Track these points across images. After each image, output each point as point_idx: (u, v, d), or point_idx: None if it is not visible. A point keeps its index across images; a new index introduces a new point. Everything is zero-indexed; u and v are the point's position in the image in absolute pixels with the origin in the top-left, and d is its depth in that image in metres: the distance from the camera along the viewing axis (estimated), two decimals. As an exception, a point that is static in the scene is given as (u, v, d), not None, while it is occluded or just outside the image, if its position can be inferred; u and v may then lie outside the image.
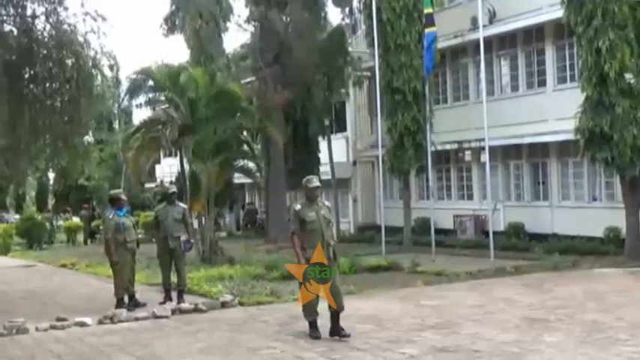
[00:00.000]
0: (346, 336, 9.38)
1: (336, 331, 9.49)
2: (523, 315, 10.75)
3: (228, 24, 31.58)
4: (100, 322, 11.33)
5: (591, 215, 21.03)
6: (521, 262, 17.80)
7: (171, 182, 31.96)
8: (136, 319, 11.56)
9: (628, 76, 17.41)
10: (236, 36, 77.02)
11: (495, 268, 16.77)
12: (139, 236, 13.36)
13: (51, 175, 56.64)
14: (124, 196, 13.31)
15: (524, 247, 20.85)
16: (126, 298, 12.81)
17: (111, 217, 12.80)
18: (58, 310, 12.19)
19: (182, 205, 13.93)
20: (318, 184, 9.94)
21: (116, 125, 54.44)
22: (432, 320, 10.56)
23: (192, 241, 13.79)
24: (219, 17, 30.11)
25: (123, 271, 12.69)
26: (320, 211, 9.72)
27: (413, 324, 10.32)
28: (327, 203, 10.17)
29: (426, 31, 20.53)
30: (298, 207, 9.81)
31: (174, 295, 13.20)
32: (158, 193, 38.02)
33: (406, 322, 10.46)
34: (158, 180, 42.77)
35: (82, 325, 11.17)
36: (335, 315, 9.53)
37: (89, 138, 30.45)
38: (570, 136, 19.28)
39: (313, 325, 9.67)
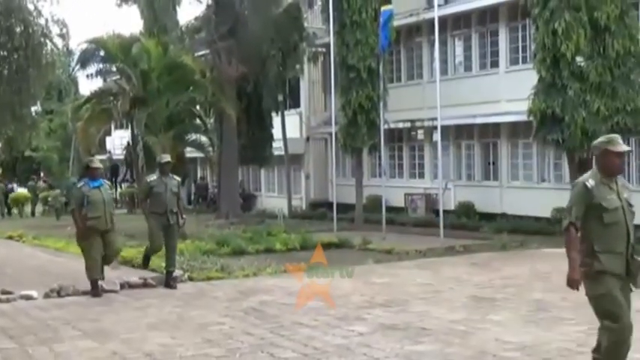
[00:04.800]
0: None
1: None
2: (471, 294, 10.89)
3: (183, -5, 31.17)
4: (47, 296, 11.12)
5: (539, 196, 21.37)
6: (470, 241, 18.00)
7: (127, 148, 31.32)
8: (84, 293, 11.38)
9: (579, 59, 17.64)
10: (190, 8, 76.00)
11: (445, 247, 16.97)
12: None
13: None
14: (94, 165, 11.63)
15: (473, 227, 21.12)
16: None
17: (79, 186, 11.68)
18: (4, 283, 11.95)
19: (176, 177, 12.52)
20: (625, 147, 5.91)
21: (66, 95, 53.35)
22: (382, 298, 10.63)
23: (184, 216, 12.50)
24: (174, -13, 29.66)
25: (89, 250, 11.41)
26: (623, 194, 5.80)
27: (362, 301, 10.38)
28: (626, 184, 6.08)
29: (382, 8, 20.50)
30: (591, 183, 5.73)
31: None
32: (110, 160, 37.50)
33: (356, 300, 10.51)
34: (121, 150, 41.67)
35: (28, 298, 10.97)
36: None
37: (38, 108, 29.83)
38: (521, 118, 19.51)
39: None
